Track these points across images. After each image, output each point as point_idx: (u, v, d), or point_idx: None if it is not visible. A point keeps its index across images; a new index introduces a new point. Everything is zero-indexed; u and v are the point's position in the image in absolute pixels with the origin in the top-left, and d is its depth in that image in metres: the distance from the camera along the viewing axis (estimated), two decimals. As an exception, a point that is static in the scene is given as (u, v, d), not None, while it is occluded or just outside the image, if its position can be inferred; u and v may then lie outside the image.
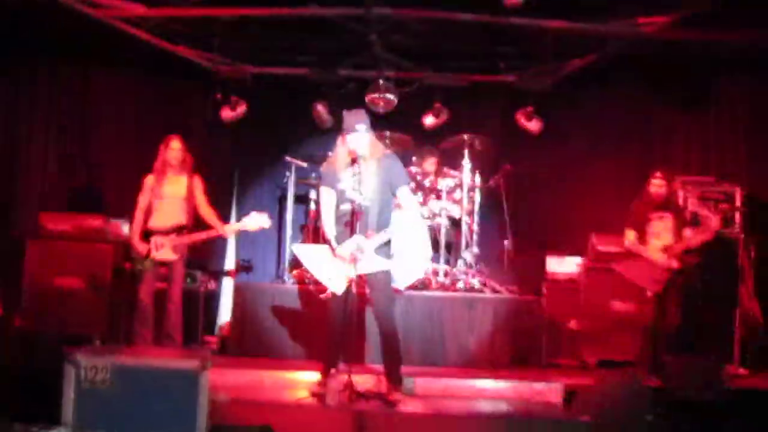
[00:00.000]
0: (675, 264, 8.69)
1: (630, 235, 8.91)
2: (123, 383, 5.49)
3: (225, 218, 8.82)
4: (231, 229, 8.73)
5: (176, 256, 8.62)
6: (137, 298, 8.65)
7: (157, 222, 8.68)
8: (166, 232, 8.60)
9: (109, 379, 5.50)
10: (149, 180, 8.77)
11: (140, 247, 8.60)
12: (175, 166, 8.74)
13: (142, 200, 8.75)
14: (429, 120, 11.32)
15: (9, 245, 10.55)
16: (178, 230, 8.62)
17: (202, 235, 8.66)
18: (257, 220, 8.38)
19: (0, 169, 11.08)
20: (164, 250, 8.57)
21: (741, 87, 11.11)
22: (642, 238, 8.88)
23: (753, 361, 9.51)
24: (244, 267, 11.20)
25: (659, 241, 8.83)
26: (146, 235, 8.63)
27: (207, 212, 8.75)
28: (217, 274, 11.02)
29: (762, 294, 10.04)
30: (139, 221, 8.72)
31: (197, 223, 8.77)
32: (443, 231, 10.22)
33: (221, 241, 10.90)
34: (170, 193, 8.72)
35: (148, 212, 8.72)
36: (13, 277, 10.04)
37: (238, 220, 8.76)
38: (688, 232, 8.81)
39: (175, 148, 8.72)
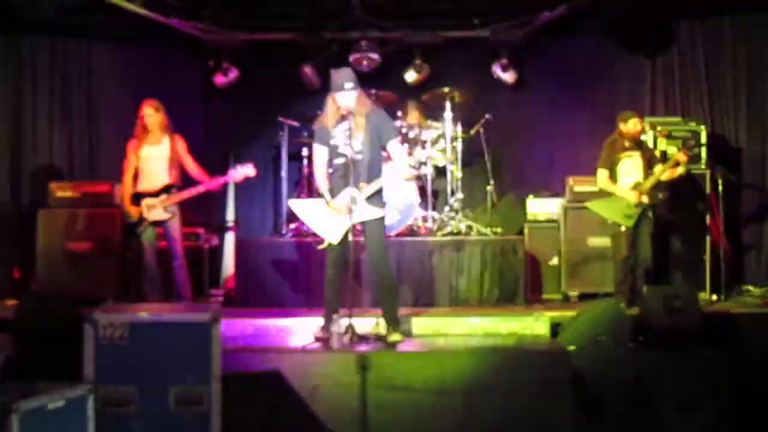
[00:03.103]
0: (645, 199, 8.73)
1: (602, 175, 8.93)
2: (139, 339, 5.49)
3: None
4: (218, 183, 8.68)
5: (168, 215, 8.60)
6: (142, 260, 8.67)
7: (144, 185, 8.67)
8: (155, 194, 8.59)
9: (126, 335, 5.50)
10: (132, 145, 8.75)
11: (132, 210, 8.61)
12: (154, 129, 8.70)
13: (128, 165, 8.74)
14: (410, 76, 11.30)
15: (21, 215, 10.53)
16: (166, 190, 8.61)
17: (191, 192, 8.64)
18: (241, 171, 8.49)
19: (8, 144, 10.99)
20: (156, 211, 8.56)
21: (699, 32, 11.07)
22: (613, 176, 8.90)
23: (723, 288, 9.56)
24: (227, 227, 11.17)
25: (630, 178, 8.86)
26: (137, 198, 8.62)
27: (193, 168, 8.75)
28: (219, 230, 10.99)
29: (729, 224, 10.08)
30: (128, 185, 8.72)
31: (185, 181, 8.76)
32: (429, 179, 10.21)
33: (221, 198, 10.87)
34: (154, 156, 8.69)
35: (136, 176, 8.71)
36: (28, 245, 10.06)
37: (236, 179, 8.75)
38: (656, 169, 8.83)
39: (148, 113, 8.67)
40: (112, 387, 5.44)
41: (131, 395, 5.46)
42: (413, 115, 10.45)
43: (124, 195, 8.79)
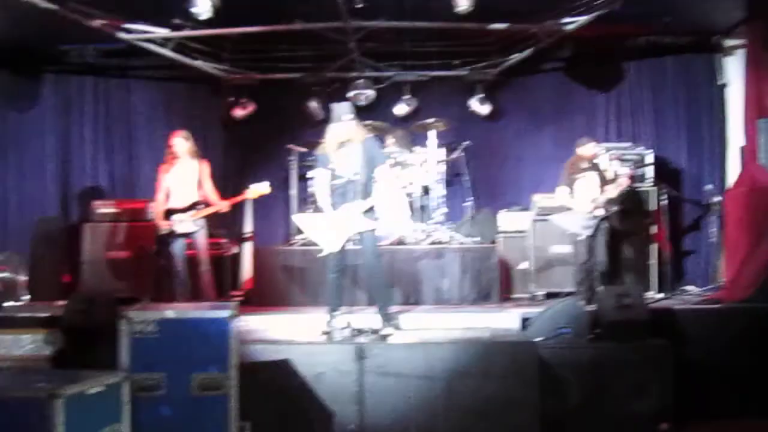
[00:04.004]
0: (600, 212, 8.72)
1: (563, 192, 8.92)
2: (167, 333, 5.47)
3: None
4: (227, 204, 8.70)
5: (196, 228, 8.61)
6: (173, 266, 8.64)
7: (175, 202, 8.67)
8: (184, 210, 8.58)
9: (156, 330, 5.47)
10: (163, 169, 8.79)
11: (164, 224, 8.61)
12: (183, 155, 8.69)
13: (160, 186, 8.76)
14: (400, 109, 11.29)
15: (69, 228, 10.52)
16: (194, 206, 8.60)
17: (211, 209, 8.65)
18: (256, 189, 8.55)
19: (60, 167, 11.01)
20: (185, 225, 8.57)
21: (645, 70, 11.08)
22: (572, 193, 8.89)
23: (666, 287, 9.55)
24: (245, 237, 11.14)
25: (587, 195, 8.83)
26: (169, 213, 8.63)
27: (210, 191, 8.74)
28: (239, 240, 10.96)
29: (672, 233, 10.09)
30: (160, 202, 8.74)
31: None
32: (416, 197, 10.18)
33: (241, 212, 10.85)
34: (183, 177, 8.70)
35: (167, 196, 8.70)
36: (74, 254, 10.04)
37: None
38: (608, 187, 8.82)
39: (177, 142, 8.69)
40: (144, 375, 5.42)
41: (160, 382, 5.44)
42: (403, 142, 10.45)
43: (157, 211, 8.79)
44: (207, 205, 8.67)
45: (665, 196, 9.70)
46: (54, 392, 4.48)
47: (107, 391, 4.91)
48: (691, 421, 7.02)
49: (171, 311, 5.66)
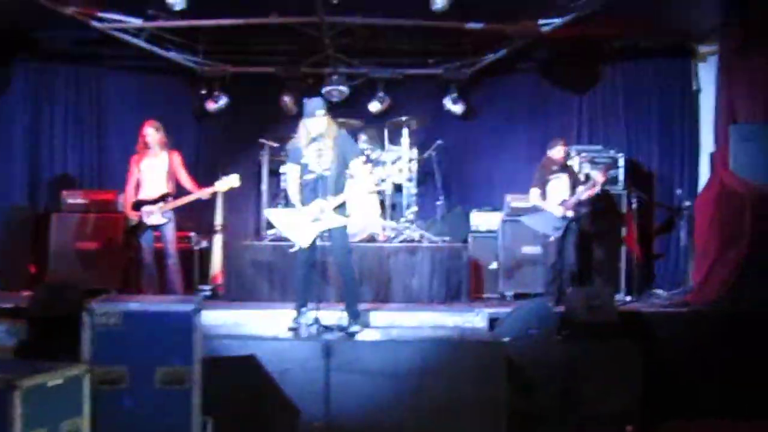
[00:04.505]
0: (570, 214, 8.73)
1: (534, 193, 8.94)
2: (131, 326, 5.37)
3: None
4: (207, 192, 8.56)
5: (165, 220, 8.52)
6: (141, 258, 8.55)
7: (145, 193, 8.58)
8: (153, 201, 8.49)
9: (120, 322, 5.38)
10: (134, 159, 8.69)
11: (133, 215, 8.52)
12: (154, 146, 8.60)
13: (131, 177, 8.66)
14: (374, 106, 11.21)
15: (37, 218, 10.38)
16: (164, 198, 8.51)
17: (184, 200, 8.57)
18: (226, 182, 8.41)
19: (28, 156, 10.90)
20: (154, 216, 8.48)
21: (619, 73, 11.11)
22: (544, 194, 8.89)
23: (635, 290, 9.56)
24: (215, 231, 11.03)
25: (558, 196, 8.85)
26: (138, 205, 8.51)
27: (186, 181, 8.67)
28: (208, 233, 10.84)
29: (641, 236, 10.12)
30: (130, 194, 8.65)
31: (179, 191, 8.67)
32: (388, 194, 10.13)
33: (210, 205, 10.71)
34: (153, 169, 8.61)
35: (137, 187, 8.60)
36: (42, 244, 9.93)
37: (221, 189, 8.65)
38: (579, 189, 8.83)
39: (149, 132, 8.61)
40: (107, 367, 5.32)
41: (123, 375, 5.35)
42: (375, 140, 10.40)
43: (126, 202, 8.72)
44: (177, 197, 8.57)
45: (636, 199, 9.71)
46: (12, 383, 4.37)
47: (68, 383, 4.79)
48: (660, 421, 7.04)
49: (135, 304, 5.57)
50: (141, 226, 8.52)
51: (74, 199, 10.03)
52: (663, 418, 7.06)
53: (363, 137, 10.41)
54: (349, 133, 8.00)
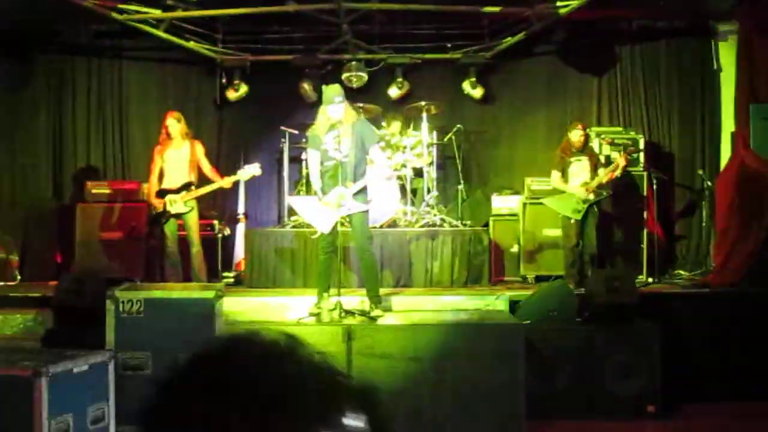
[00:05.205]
0: (591, 196, 8.70)
1: (555, 176, 8.91)
2: (153, 312, 5.44)
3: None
4: (229, 181, 8.59)
5: (188, 209, 8.54)
6: (165, 247, 8.61)
7: (168, 183, 8.60)
8: (176, 191, 8.51)
9: (142, 309, 5.43)
10: (157, 150, 8.72)
11: (157, 204, 8.56)
12: (176, 136, 8.63)
13: (154, 167, 8.69)
14: (393, 92, 11.18)
15: (62, 209, 10.48)
16: (186, 187, 8.52)
17: (206, 189, 8.60)
18: (248, 171, 8.40)
19: (52, 148, 10.99)
20: (177, 205, 8.50)
21: (638, 54, 11.02)
22: (564, 177, 8.87)
23: (656, 272, 9.52)
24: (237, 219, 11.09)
25: (578, 178, 8.83)
26: (161, 194, 8.55)
27: (208, 170, 8.70)
28: (231, 221, 10.90)
29: (662, 218, 10.07)
30: (153, 183, 8.68)
31: (202, 180, 8.70)
32: (408, 179, 10.14)
33: (232, 194, 10.77)
34: (176, 158, 8.62)
35: (161, 176, 8.64)
36: (68, 234, 10.02)
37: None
38: (600, 171, 8.80)
39: (171, 123, 8.61)
40: (130, 353, 5.39)
41: (145, 360, 5.41)
42: (395, 125, 10.38)
43: (150, 192, 8.77)
44: (199, 186, 8.61)
45: (656, 181, 9.66)
46: (39, 370, 4.44)
47: (93, 369, 4.86)
48: (679, 403, 7.04)
49: (157, 291, 5.63)
50: (164, 215, 8.56)
51: (98, 189, 10.10)
52: (683, 399, 7.06)
53: (388, 122, 10.39)
54: (369, 119, 8.00)
